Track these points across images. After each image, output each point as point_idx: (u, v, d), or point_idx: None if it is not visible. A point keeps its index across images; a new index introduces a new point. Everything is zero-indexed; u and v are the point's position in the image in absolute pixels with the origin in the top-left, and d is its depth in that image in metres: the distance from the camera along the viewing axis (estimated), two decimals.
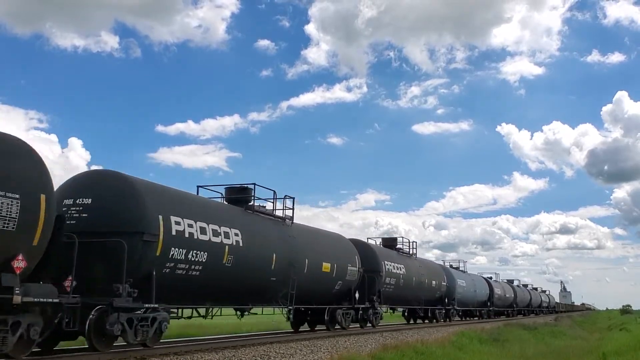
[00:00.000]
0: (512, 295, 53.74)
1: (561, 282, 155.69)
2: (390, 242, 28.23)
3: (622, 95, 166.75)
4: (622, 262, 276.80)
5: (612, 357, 16.41)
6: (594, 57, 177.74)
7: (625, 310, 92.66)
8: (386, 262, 24.69)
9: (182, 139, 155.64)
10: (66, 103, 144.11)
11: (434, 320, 32.92)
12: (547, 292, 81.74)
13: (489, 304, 45.49)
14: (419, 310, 31.19)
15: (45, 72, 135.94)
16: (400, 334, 21.80)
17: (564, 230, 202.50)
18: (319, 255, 19.04)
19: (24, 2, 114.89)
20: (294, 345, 14.69)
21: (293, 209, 18.30)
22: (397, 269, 25.80)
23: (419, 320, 33.19)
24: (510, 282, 59.02)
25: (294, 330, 21.05)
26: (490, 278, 49.50)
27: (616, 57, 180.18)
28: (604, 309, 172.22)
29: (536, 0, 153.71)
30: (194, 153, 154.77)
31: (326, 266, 19.31)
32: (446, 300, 34.06)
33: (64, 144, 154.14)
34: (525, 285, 67.52)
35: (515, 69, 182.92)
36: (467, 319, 43.63)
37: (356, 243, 23.28)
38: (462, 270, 41.31)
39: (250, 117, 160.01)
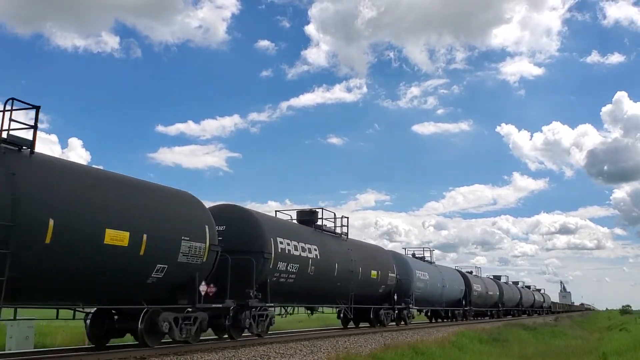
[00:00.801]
0: (497, 293, 46.70)
1: (561, 282, 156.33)
2: (306, 217, 20.27)
3: (621, 95, 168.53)
4: (622, 262, 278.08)
5: (612, 357, 16.44)
6: (594, 57, 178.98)
7: (625, 311, 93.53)
8: (280, 240, 16.66)
9: (182, 139, 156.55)
10: (66, 103, 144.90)
11: (378, 324, 24.68)
12: (542, 291, 76.16)
13: (464, 302, 37.78)
14: (348, 311, 22.11)
15: (45, 72, 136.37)
16: (400, 334, 21.49)
17: (564, 230, 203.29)
18: None
19: (24, 2, 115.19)
20: (293, 345, 14.60)
21: (35, 128, 10.13)
22: (303, 251, 17.92)
23: (362, 324, 25.35)
24: (496, 278, 51.85)
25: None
26: (470, 272, 42.64)
27: (616, 58, 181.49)
28: (604, 309, 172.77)
29: (536, 1, 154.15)
30: (194, 153, 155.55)
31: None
32: (395, 297, 25.96)
33: (64, 144, 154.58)
34: (516, 283, 61.09)
35: (515, 69, 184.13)
36: (438, 320, 36.29)
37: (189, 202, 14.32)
38: (428, 261, 33.26)
39: (250, 117, 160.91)
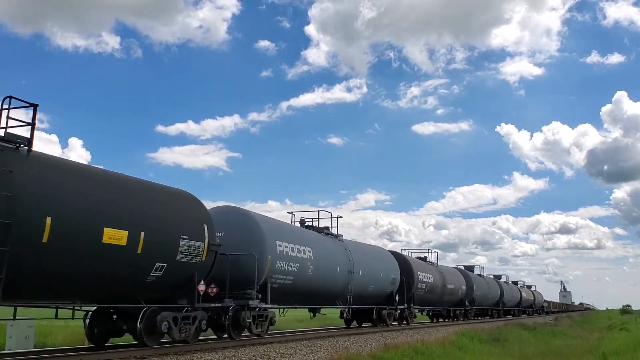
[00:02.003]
0: (464, 288, 36.00)
1: (561, 282, 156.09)
2: None
3: (621, 95, 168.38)
4: (622, 262, 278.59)
5: (612, 357, 16.45)
6: (594, 57, 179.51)
7: (625, 310, 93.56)
8: None
9: (182, 139, 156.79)
10: (66, 103, 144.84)
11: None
12: (532, 288, 67.07)
13: (398, 298, 25.49)
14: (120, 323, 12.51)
15: (45, 72, 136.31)
16: (400, 334, 21.47)
17: (564, 230, 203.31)
18: None
19: (24, 2, 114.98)
20: (293, 345, 14.59)
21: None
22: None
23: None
24: (468, 269, 41.03)
25: None
26: (424, 258, 31.93)
27: (615, 58, 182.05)
28: (604, 308, 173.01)
29: (536, 1, 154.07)
30: (194, 153, 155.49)
31: None
32: (205, 286, 13.85)
33: (64, 144, 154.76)
34: (499, 277, 50.59)
35: (515, 69, 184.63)
36: (365, 325, 24.30)
37: None
38: (330, 234, 21.12)
39: (250, 117, 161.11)
